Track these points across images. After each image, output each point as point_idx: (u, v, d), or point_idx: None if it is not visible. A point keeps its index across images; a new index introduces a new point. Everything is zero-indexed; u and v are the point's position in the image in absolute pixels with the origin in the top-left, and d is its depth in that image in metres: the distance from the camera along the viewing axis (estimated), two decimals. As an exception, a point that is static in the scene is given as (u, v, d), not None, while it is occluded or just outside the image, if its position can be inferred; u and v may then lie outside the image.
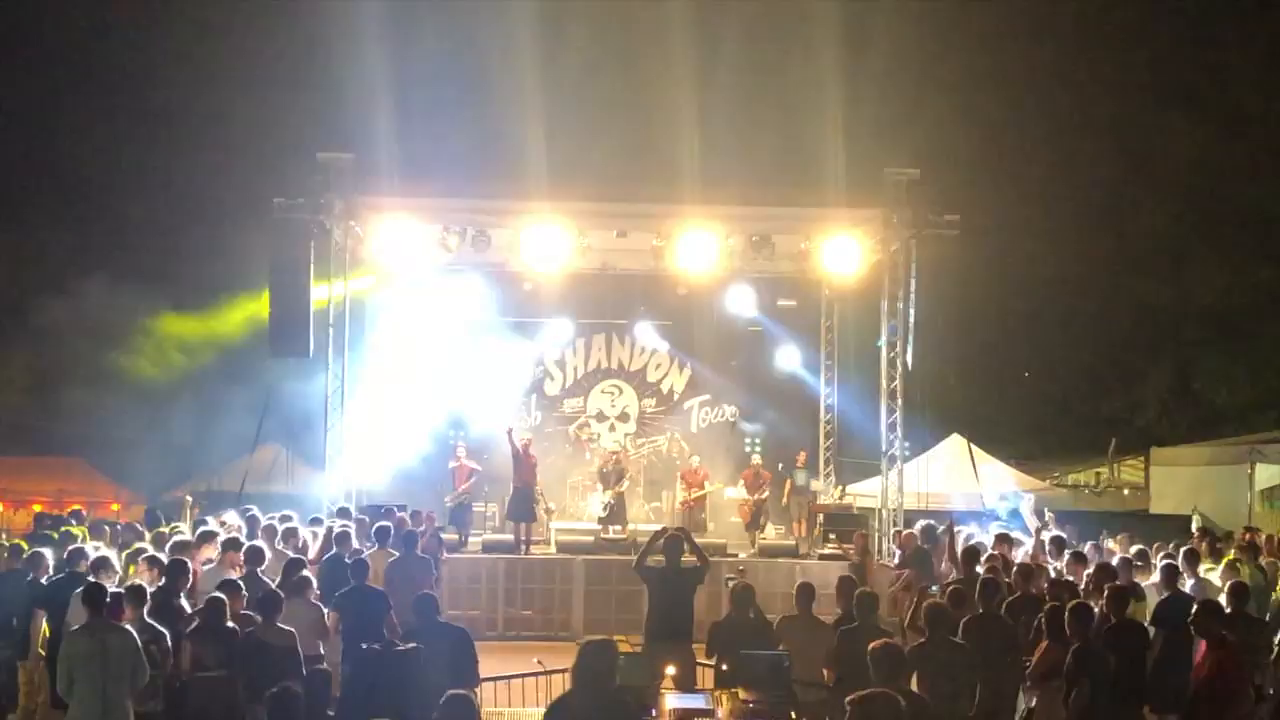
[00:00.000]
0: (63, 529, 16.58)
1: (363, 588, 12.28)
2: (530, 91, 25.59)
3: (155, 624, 10.55)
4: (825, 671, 10.46)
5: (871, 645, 8.21)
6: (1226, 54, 35.06)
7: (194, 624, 10.70)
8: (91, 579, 11.57)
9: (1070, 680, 10.02)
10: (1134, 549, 15.42)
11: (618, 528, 21.34)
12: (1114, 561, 13.97)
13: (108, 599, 10.30)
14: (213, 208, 30.58)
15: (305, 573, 12.47)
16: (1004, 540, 15.66)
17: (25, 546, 13.75)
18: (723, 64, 29.39)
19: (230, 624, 10.64)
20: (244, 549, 13.10)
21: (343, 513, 17.85)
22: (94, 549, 13.07)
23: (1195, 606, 10.68)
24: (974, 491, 23.89)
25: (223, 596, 10.83)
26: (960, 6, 33.67)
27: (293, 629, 10.66)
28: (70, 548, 13.07)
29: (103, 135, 33.82)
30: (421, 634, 10.36)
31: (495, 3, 29.02)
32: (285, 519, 15.82)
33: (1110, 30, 36.22)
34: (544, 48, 27.35)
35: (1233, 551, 15.34)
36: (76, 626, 10.38)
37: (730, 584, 12.71)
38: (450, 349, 23.76)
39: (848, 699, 6.99)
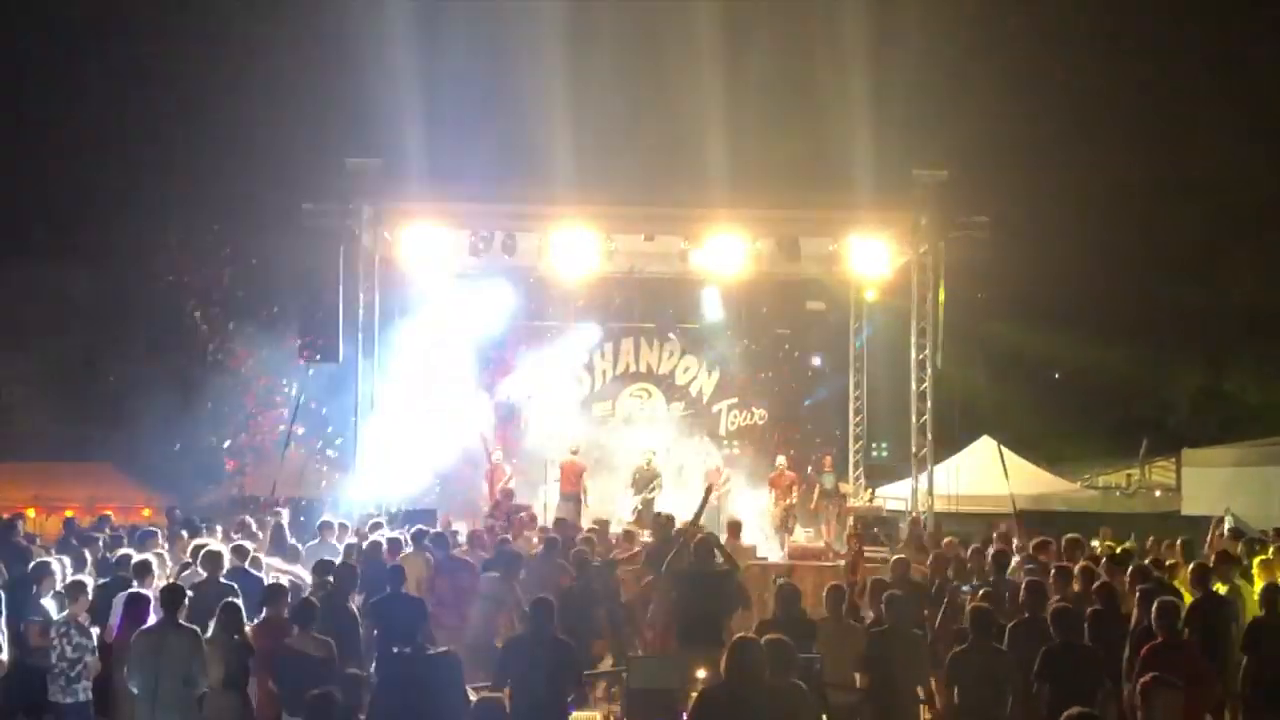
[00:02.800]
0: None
1: (398, 595, 12.18)
2: (558, 95, 25.61)
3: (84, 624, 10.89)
4: (857, 675, 10.44)
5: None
6: (1261, 53, 34.82)
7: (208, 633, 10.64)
8: (136, 583, 11.73)
9: (1038, 681, 9.88)
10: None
11: (646, 532, 21.29)
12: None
13: (184, 600, 10.51)
14: (242, 213, 30.69)
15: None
16: (1043, 547, 15.55)
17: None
18: (750, 66, 29.37)
19: (247, 637, 10.60)
20: (201, 554, 12.77)
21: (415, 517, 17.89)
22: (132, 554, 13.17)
23: (1155, 605, 10.49)
24: (1004, 494, 23.80)
25: (238, 604, 10.78)
26: (988, 7, 33.56)
27: (330, 639, 10.59)
28: (118, 554, 13.23)
29: (131, 143, 34.02)
30: (531, 644, 9.95)
31: (523, 8, 29.08)
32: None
33: (1143, 29, 36.05)
34: (571, 51, 27.38)
35: (1271, 551, 15.20)
36: (146, 626, 10.53)
37: (778, 582, 12.71)
38: (479, 353, 23.81)
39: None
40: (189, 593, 10.90)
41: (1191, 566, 12.90)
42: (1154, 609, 10.32)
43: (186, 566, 13.29)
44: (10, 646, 11.41)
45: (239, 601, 10.83)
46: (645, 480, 22.55)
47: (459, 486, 22.91)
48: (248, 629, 10.74)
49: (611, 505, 23.62)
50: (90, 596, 11.54)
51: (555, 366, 25.37)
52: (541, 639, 9.88)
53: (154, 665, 10.09)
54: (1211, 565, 13.05)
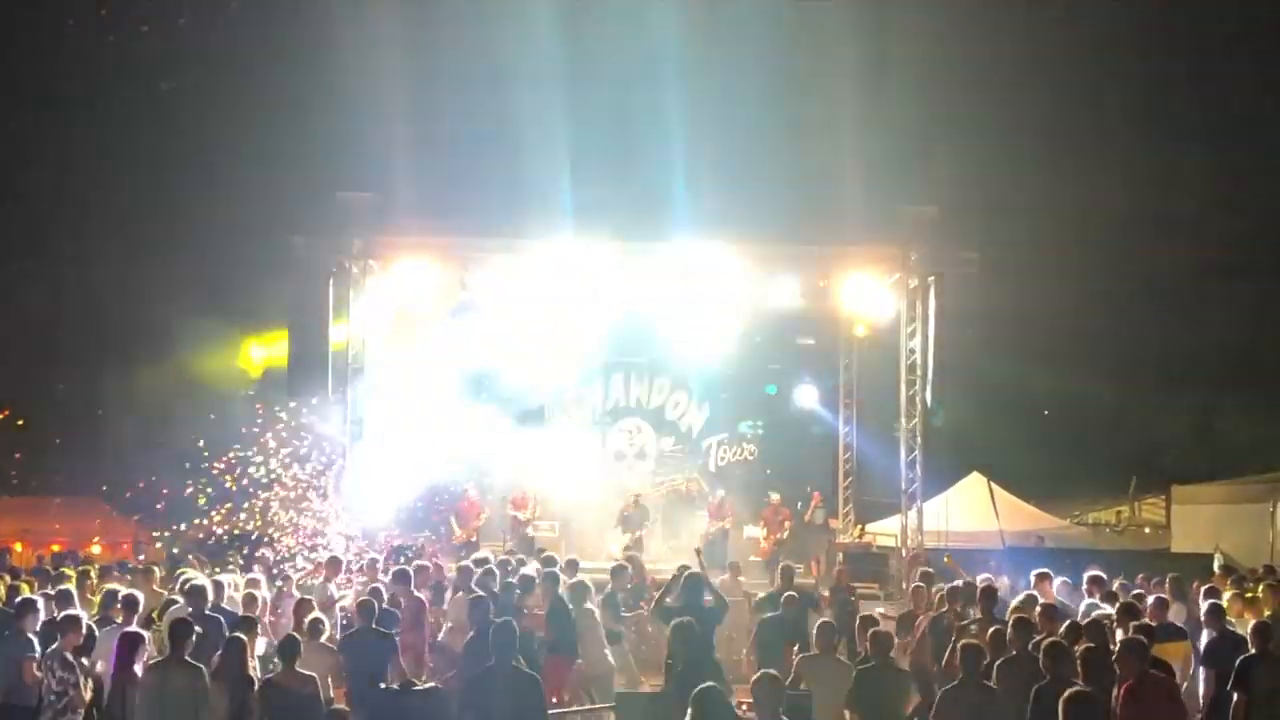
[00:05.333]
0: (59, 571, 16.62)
1: (368, 630, 12.09)
2: (549, 130, 25.65)
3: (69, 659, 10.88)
4: (846, 712, 10.38)
5: None
6: (1254, 96, 35.04)
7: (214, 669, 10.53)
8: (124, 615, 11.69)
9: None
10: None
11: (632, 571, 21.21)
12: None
13: (191, 637, 10.33)
14: (231, 246, 30.64)
15: (318, 614, 12.37)
16: (1043, 579, 15.49)
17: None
18: (741, 101, 29.46)
19: (250, 672, 10.49)
20: (187, 587, 12.84)
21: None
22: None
23: (1119, 644, 10.43)
24: (993, 530, 23.80)
25: (243, 638, 10.68)
26: (977, 45, 33.69)
27: (314, 674, 10.50)
28: (105, 590, 13.15)
29: (118, 175, 33.97)
30: (495, 677, 9.60)
31: (515, 42, 29.12)
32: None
33: (1134, 70, 36.20)
34: (562, 86, 27.42)
35: (1260, 588, 15.17)
36: (151, 662, 10.42)
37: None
38: (467, 387, 23.74)
39: None
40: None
41: (1207, 605, 12.87)
42: (1118, 646, 10.30)
43: (172, 602, 13.22)
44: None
45: (243, 637, 10.75)
46: (635, 521, 22.55)
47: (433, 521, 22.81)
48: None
49: (600, 542, 23.57)
50: (84, 631, 11.47)
51: (544, 401, 25.28)
52: (504, 672, 9.58)
53: (159, 701, 9.94)
54: (1225, 604, 13.03)
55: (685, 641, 11.66)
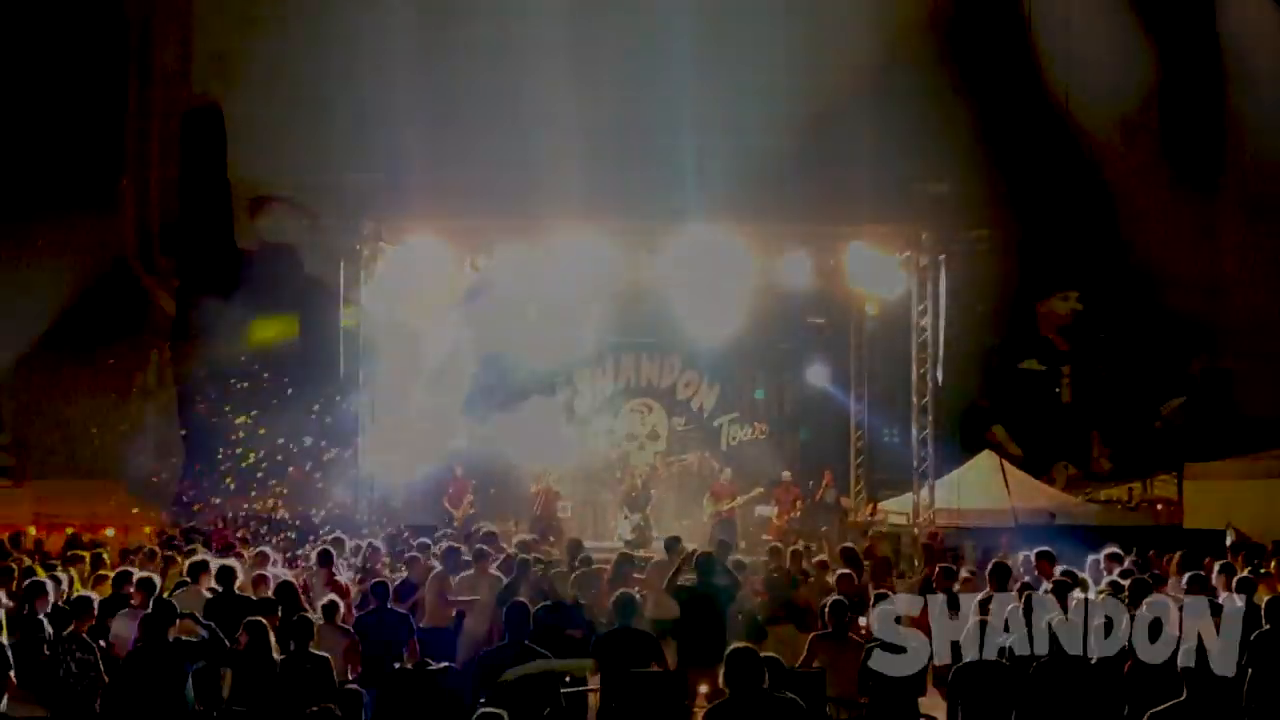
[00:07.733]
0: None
1: (384, 610, 12.08)
2: (560, 111, 25.63)
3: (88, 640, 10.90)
4: (859, 690, 10.41)
5: None
6: (1261, 61, 34.86)
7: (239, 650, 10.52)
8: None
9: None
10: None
11: (643, 551, 21.23)
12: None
13: (174, 619, 10.29)
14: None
15: (332, 597, 12.39)
16: (1045, 558, 15.46)
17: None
18: (751, 80, 29.38)
19: (273, 654, 10.51)
20: (215, 570, 12.86)
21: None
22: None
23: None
24: (1005, 507, 23.76)
25: (264, 621, 10.68)
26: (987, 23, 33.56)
27: (327, 655, 10.52)
28: (116, 572, 13.18)
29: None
30: (506, 654, 9.74)
31: (526, 24, 29.10)
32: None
33: (1144, 41, 36.04)
34: (571, 65, 27.38)
35: (1272, 564, 15.16)
36: (132, 648, 10.45)
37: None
38: (479, 367, 23.77)
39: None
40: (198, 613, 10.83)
41: (1239, 579, 12.88)
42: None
43: (183, 583, 13.27)
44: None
45: (263, 620, 10.75)
46: (640, 501, 22.54)
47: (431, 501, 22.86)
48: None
49: (613, 523, 23.61)
50: (96, 612, 11.50)
51: (556, 381, 25.30)
52: (517, 652, 9.65)
53: (146, 686, 9.97)
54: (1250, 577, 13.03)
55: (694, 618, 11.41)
